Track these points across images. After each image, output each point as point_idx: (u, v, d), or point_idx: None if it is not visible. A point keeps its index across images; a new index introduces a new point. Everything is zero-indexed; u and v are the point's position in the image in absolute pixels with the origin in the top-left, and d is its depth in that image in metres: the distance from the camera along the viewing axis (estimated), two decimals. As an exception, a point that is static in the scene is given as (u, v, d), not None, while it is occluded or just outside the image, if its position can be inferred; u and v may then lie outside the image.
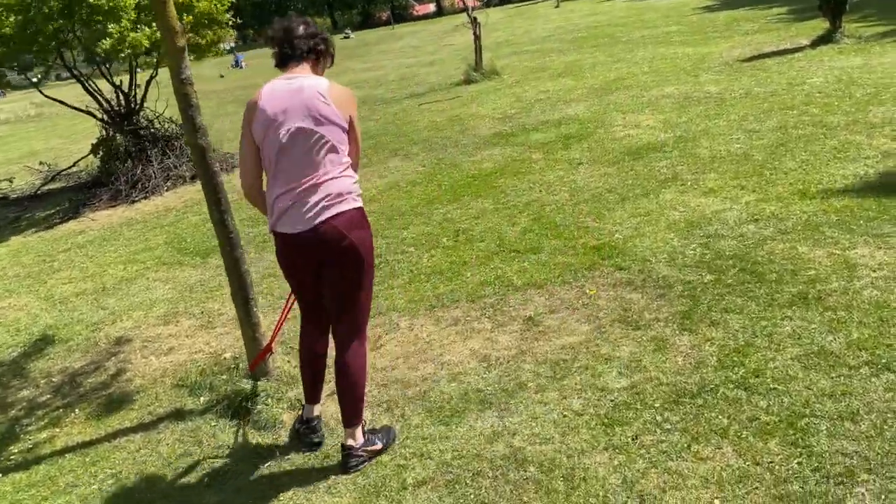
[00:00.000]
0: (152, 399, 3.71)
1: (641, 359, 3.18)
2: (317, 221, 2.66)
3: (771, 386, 2.82)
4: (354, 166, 2.81)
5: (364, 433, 2.89)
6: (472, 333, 3.72)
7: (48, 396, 3.97)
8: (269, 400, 3.32)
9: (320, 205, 2.66)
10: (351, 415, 2.85)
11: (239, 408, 3.35)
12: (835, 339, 3.06)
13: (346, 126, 2.71)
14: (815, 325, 3.19)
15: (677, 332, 3.36)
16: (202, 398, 3.60)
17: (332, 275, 2.77)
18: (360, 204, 2.77)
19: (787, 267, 3.77)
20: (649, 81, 9.44)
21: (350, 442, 2.84)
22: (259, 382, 3.41)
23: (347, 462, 2.83)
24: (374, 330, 3.91)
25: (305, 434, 3.06)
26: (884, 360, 2.85)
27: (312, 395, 3.06)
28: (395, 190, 6.75)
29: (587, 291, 3.96)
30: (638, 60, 11.39)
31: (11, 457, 3.41)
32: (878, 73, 7.37)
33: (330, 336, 2.95)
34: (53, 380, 4.15)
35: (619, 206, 5.15)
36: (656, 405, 2.83)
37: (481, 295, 4.17)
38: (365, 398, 2.91)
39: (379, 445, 2.89)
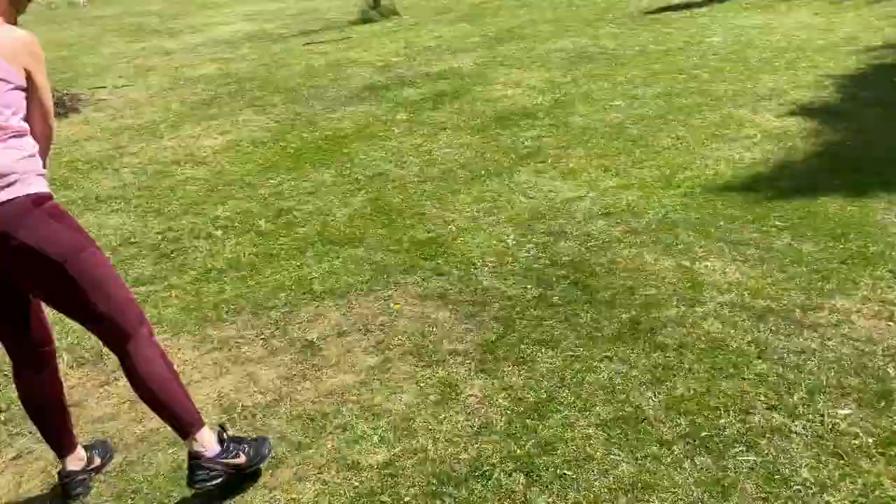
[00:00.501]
0: None
1: (416, 415, 2.48)
2: None
3: (560, 471, 2.16)
4: (39, 138, 2.08)
5: (223, 440, 2.20)
6: (234, 365, 2.95)
7: None
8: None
9: None
10: (180, 426, 2.17)
11: None
12: (654, 396, 2.42)
13: (20, 83, 1.99)
14: (636, 373, 2.55)
15: (473, 372, 2.67)
16: None
17: (31, 289, 2.13)
18: (34, 189, 2.01)
19: (626, 283, 3.12)
20: (547, 31, 8.62)
21: (199, 449, 2.14)
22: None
23: (193, 475, 2.14)
24: (113, 358, 3.08)
25: (64, 492, 2.35)
26: (704, 433, 2.23)
27: (57, 447, 2.35)
28: (232, 151, 5.80)
29: (392, 305, 3.23)
30: (545, 6, 10.52)
31: None
32: (777, 35, 6.76)
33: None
34: None
35: (465, 188, 4.40)
36: (407, 499, 2.14)
37: (270, 305, 3.38)
38: (185, 397, 2.18)
39: (242, 459, 2.20)
